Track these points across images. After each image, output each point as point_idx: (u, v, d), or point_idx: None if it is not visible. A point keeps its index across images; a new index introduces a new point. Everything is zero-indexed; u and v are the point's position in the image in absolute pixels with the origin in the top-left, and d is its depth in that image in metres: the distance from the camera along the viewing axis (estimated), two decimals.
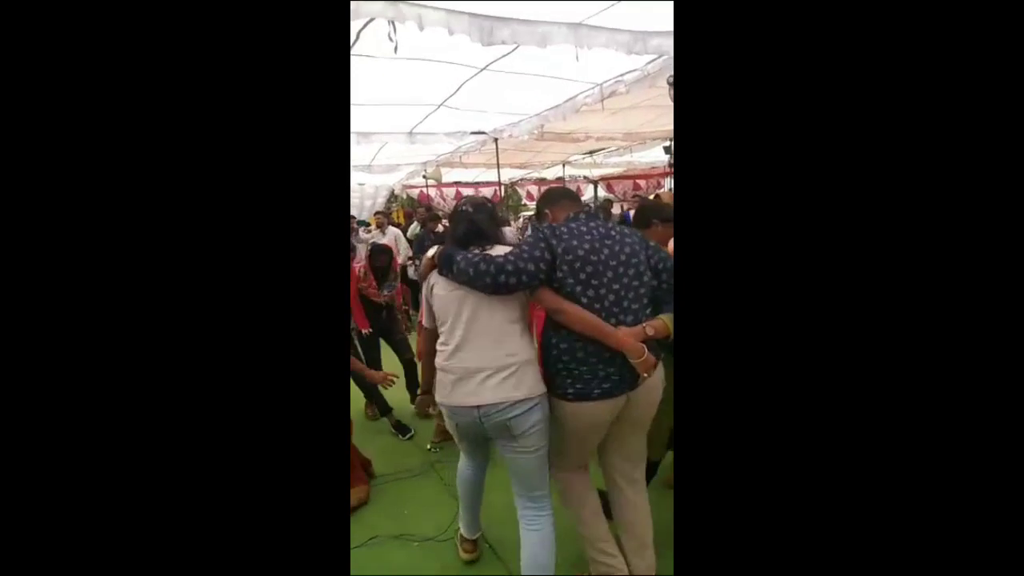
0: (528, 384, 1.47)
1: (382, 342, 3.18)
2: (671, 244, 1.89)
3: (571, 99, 4.17)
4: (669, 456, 2.11)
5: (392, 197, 9.92)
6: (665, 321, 1.47)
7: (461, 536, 1.93)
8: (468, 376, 1.48)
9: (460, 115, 4.56)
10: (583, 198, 7.52)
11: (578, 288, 1.42)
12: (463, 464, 1.85)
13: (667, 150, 6.77)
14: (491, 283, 1.40)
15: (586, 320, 1.41)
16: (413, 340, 3.34)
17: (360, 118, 4.22)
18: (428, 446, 2.80)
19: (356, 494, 2.30)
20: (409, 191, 9.70)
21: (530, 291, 1.47)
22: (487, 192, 7.72)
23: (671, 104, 3.27)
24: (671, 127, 5.78)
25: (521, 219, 9.66)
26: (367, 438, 2.92)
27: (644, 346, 1.43)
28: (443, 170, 7.41)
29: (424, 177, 7.77)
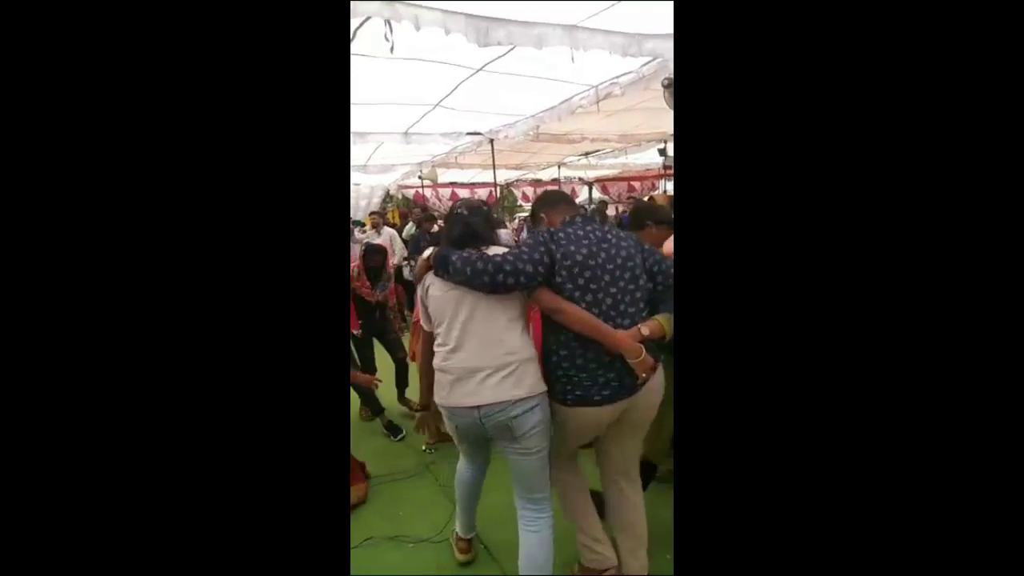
0: (528, 383, 1.46)
1: (375, 342, 3.18)
2: (665, 245, 1.90)
3: (567, 101, 4.17)
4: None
5: (387, 197, 9.89)
6: (661, 322, 1.47)
7: (456, 535, 1.93)
8: (467, 376, 1.47)
9: (456, 116, 4.55)
10: (578, 200, 7.53)
11: (576, 293, 1.43)
12: (462, 466, 1.83)
13: (662, 152, 6.81)
14: (489, 282, 1.40)
15: (584, 320, 1.42)
16: (407, 340, 3.36)
17: (356, 118, 4.19)
18: (423, 447, 2.80)
19: (354, 492, 2.29)
20: (404, 191, 9.68)
21: (528, 292, 1.47)
22: (483, 193, 7.73)
23: (666, 106, 3.28)
24: (666, 129, 5.81)
25: (517, 220, 9.68)
26: (362, 439, 2.92)
27: (642, 346, 1.44)
28: (439, 171, 7.39)
29: (420, 177, 7.74)
